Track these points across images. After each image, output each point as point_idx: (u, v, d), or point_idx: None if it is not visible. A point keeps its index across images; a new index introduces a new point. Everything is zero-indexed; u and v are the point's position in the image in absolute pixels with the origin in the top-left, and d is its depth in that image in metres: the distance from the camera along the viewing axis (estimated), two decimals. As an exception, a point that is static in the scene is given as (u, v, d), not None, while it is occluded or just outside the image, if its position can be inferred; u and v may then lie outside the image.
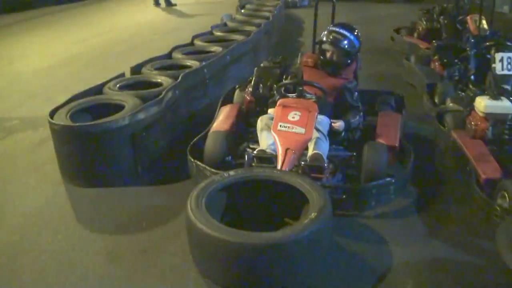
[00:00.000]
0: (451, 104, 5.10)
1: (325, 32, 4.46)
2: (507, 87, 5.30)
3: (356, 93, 4.45)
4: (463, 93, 5.50)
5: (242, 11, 10.30)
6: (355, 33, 4.46)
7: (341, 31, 4.39)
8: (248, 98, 4.66)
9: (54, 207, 3.78)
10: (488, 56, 5.56)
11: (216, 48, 6.56)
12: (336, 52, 4.38)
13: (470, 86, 5.79)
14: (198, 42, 7.07)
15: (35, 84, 7.16)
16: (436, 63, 6.51)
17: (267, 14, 9.67)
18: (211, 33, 7.80)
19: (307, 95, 4.03)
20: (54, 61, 8.41)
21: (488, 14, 7.27)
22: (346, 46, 4.37)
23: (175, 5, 14.59)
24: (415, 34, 8.65)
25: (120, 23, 12.56)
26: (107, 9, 15.40)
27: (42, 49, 9.48)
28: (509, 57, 5.38)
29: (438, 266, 2.96)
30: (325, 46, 4.41)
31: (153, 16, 13.61)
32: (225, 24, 8.60)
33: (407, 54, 7.55)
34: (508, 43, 5.57)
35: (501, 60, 5.37)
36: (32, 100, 6.38)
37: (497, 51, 5.43)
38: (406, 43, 8.49)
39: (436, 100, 5.59)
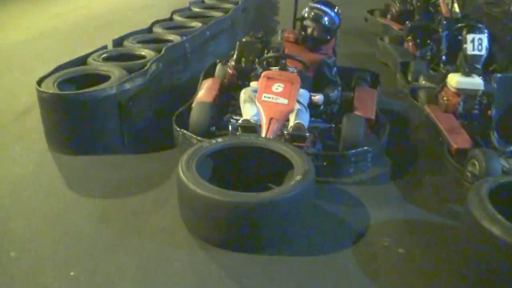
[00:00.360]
0: (423, 82, 5.33)
1: (307, 9, 4.63)
2: (478, 66, 5.57)
3: (335, 68, 4.66)
4: (435, 72, 5.75)
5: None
6: (336, 10, 4.67)
7: (322, 7, 4.58)
8: (230, 71, 4.79)
9: (43, 174, 3.85)
10: (460, 37, 5.83)
11: (195, 24, 6.65)
12: (317, 28, 4.56)
13: (442, 66, 6.05)
14: (177, 18, 7.13)
15: (14, 57, 7.10)
16: (410, 43, 6.73)
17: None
18: (189, 9, 7.84)
19: (289, 68, 4.19)
20: (31, 35, 8.30)
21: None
22: (327, 23, 4.57)
23: None
24: (389, 16, 8.84)
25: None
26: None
27: (17, 23, 9.32)
28: (479, 38, 5.63)
29: (413, 226, 3.19)
30: (307, 22, 4.58)
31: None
32: (203, 1, 8.64)
33: (381, 35, 7.75)
34: (479, 25, 5.83)
35: (472, 41, 5.63)
36: (12, 73, 6.35)
37: (469, 32, 5.69)
38: (379, 24, 8.67)
39: (409, 78, 5.81)
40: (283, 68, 4.15)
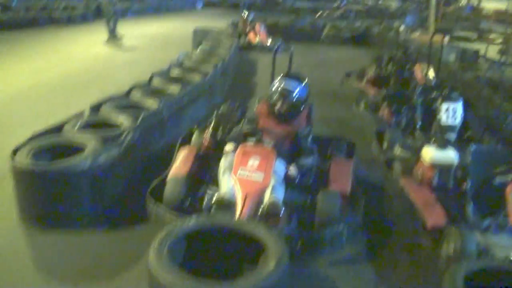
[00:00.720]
0: (399, 151, 5.39)
1: (275, 85, 4.76)
2: (452, 135, 5.66)
3: (311, 136, 4.72)
4: (410, 141, 5.82)
5: (198, 49, 10.48)
6: (303, 84, 4.78)
7: (289, 86, 4.71)
8: (206, 142, 4.76)
9: (12, 252, 3.74)
10: (434, 106, 5.96)
11: (174, 88, 6.69)
12: (285, 104, 4.65)
13: (417, 134, 6.14)
14: (156, 81, 7.16)
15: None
16: (385, 111, 6.83)
17: (223, 52, 9.88)
18: (168, 71, 7.91)
19: (265, 141, 4.22)
20: (8, 94, 8.28)
21: (435, 63, 7.72)
22: (294, 100, 4.68)
23: (121, 38, 14.58)
24: (365, 80, 9.02)
25: (76, 54, 12.50)
26: (62, 38, 15.30)
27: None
28: (454, 108, 5.75)
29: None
30: (275, 101, 4.70)
31: (108, 48, 13.64)
32: (182, 63, 8.73)
33: (356, 100, 7.90)
34: (453, 94, 5.96)
35: (447, 110, 5.75)
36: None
37: (443, 101, 5.81)
38: (355, 88, 8.86)
39: (385, 146, 5.87)
40: (259, 141, 4.18)
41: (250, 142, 4.27)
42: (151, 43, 14.64)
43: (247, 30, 14.87)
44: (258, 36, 14.52)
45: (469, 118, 6.20)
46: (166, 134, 5.83)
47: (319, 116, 7.42)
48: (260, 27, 14.83)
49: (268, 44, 13.68)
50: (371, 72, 8.98)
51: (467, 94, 8.03)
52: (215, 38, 12.62)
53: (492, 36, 15.58)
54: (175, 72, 7.83)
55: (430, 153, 4.51)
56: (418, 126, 6.19)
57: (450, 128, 5.71)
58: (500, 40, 16.67)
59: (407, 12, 28.18)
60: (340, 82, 9.40)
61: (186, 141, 5.09)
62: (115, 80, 9.15)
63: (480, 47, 16.63)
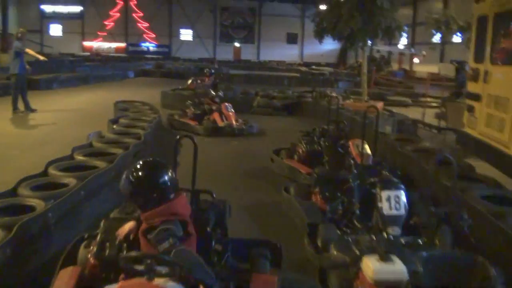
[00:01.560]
0: (334, 254, 4.48)
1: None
2: (396, 229, 4.84)
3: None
4: (349, 235, 4.98)
5: (114, 127, 9.47)
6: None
7: None
8: (91, 261, 3.64)
9: None
10: (373, 191, 5.15)
11: (69, 181, 5.64)
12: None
13: (356, 223, 5.30)
14: (52, 171, 6.09)
15: None
16: (318, 196, 5.99)
17: (141, 131, 8.91)
18: (71, 157, 6.86)
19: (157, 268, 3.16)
20: None
21: (371, 137, 7.05)
22: None
23: (35, 110, 13.62)
24: (295, 157, 8.26)
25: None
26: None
27: None
28: (396, 196, 4.96)
29: None
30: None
31: (13, 126, 12.47)
32: (90, 145, 7.69)
33: (286, 185, 6.97)
34: (394, 179, 5.19)
35: (388, 199, 4.94)
36: None
37: (383, 188, 5.02)
38: (286, 166, 8.12)
39: (319, 244, 4.95)
40: (150, 270, 3.12)
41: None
42: (72, 117, 13.47)
43: (213, 108, 12.43)
44: (224, 116, 12.13)
45: (413, 200, 5.47)
46: (53, 244, 4.71)
47: (244, 204, 6.59)
48: (226, 107, 12.42)
49: (237, 125, 12.01)
50: (302, 148, 8.24)
51: (409, 169, 7.36)
52: (137, 111, 11.69)
53: (427, 99, 15.42)
54: (79, 158, 6.78)
55: (372, 267, 3.63)
56: (357, 213, 5.36)
57: (394, 218, 4.88)
58: (435, 104, 16.61)
59: (340, 78, 28.44)
60: (270, 159, 8.59)
61: (73, 256, 3.92)
62: (20, 164, 8.02)
63: (415, 111, 16.61)
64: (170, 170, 3.51)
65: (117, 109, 12.44)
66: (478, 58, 8.34)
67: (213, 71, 18.34)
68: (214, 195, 4.16)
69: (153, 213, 3.39)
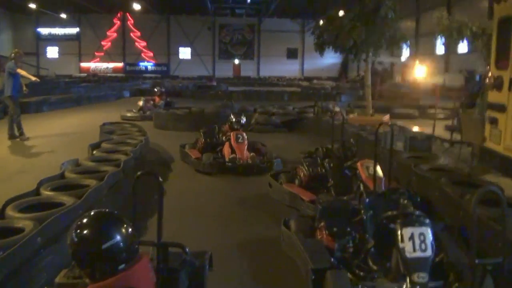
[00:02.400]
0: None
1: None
2: (423, 275, 3.87)
3: None
4: (364, 283, 3.99)
5: (94, 153, 8.47)
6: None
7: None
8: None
9: None
10: (391, 226, 4.17)
11: (26, 224, 4.64)
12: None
13: (370, 263, 4.34)
14: (9, 212, 5.07)
15: None
16: (324, 232, 4.96)
17: (122, 157, 7.89)
18: (37, 193, 5.89)
19: None
20: None
21: (381, 157, 6.08)
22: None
23: (28, 138, 12.72)
24: (297, 181, 7.27)
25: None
26: None
27: None
28: (421, 234, 3.99)
29: None
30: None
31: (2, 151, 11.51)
32: (62, 176, 6.68)
33: (286, 217, 5.82)
34: (417, 213, 4.21)
35: (411, 238, 3.96)
36: None
37: (405, 225, 4.03)
38: (285, 192, 7.10)
39: (328, 296, 3.94)
40: None
41: None
42: (56, 143, 12.46)
43: (225, 138, 9.95)
44: (235, 149, 9.34)
45: (438, 232, 4.49)
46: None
47: (237, 241, 5.61)
48: (237, 137, 9.48)
49: (245, 161, 9.16)
50: (304, 172, 7.24)
51: (426, 192, 6.34)
52: (124, 133, 10.72)
53: (435, 111, 14.43)
54: (44, 194, 5.80)
55: None
56: (370, 254, 4.38)
57: (419, 262, 3.90)
58: (441, 116, 15.59)
59: (342, 92, 27.53)
60: (268, 184, 7.57)
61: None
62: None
63: (423, 123, 15.59)
64: (127, 227, 2.61)
65: (103, 132, 11.48)
66: (501, 64, 7.39)
67: (163, 89, 17.75)
68: (188, 250, 3.18)
69: (103, 286, 2.49)
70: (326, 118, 14.06)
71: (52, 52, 52.84)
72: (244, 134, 9.63)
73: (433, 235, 3.99)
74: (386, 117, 15.40)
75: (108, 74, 48.88)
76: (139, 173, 3.25)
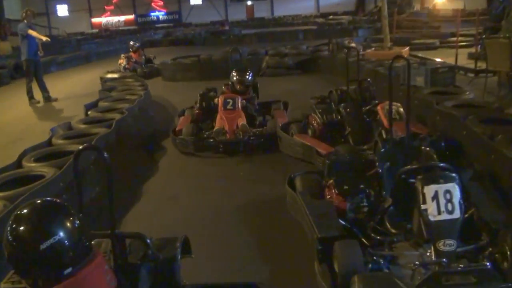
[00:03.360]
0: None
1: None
2: (450, 241, 3.23)
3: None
4: (380, 252, 3.39)
5: (89, 113, 7.90)
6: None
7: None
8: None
9: None
10: (411, 181, 3.51)
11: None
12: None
13: (388, 225, 3.71)
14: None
15: None
16: (333, 191, 4.26)
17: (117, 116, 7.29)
18: (18, 164, 5.41)
19: None
20: None
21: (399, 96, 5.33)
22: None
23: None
24: (309, 132, 6.53)
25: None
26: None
27: None
28: (447, 192, 3.32)
29: None
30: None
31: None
32: (49, 143, 6.13)
33: (290, 176, 5.00)
34: (441, 166, 3.52)
35: (435, 197, 3.29)
36: None
37: (427, 182, 3.35)
38: (298, 144, 6.22)
39: (336, 269, 3.29)
40: None
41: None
42: (58, 104, 11.97)
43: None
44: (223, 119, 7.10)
45: (466, 182, 3.82)
46: None
47: (234, 206, 5.04)
48: (225, 102, 7.20)
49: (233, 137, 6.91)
50: (317, 120, 6.47)
51: (452, 133, 5.59)
52: (124, 89, 10.09)
53: (457, 39, 13.42)
54: (26, 166, 5.31)
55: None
56: (387, 213, 3.73)
57: (446, 226, 3.25)
58: (464, 44, 14.55)
59: (359, 26, 26.23)
60: (277, 138, 6.75)
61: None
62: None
63: (445, 53, 14.60)
64: (72, 219, 2.10)
65: (103, 89, 10.86)
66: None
67: (138, 44, 15.97)
68: (150, 240, 2.57)
69: None
70: (342, 55, 13.20)
71: (62, 10, 51.63)
72: (239, 99, 7.18)
73: (462, 191, 3.31)
74: (405, 50, 14.45)
75: (120, 28, 47.87)
76: (79, 147, 2.62)
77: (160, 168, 6.60)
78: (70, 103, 11.66)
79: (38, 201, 2.13)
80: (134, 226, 4.74)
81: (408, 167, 3.55)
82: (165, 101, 11.13)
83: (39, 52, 11.83)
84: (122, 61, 15.47)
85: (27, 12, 11.56)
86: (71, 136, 6.38)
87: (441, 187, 3.23)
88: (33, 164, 5.31)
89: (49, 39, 13.29)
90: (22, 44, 11.58)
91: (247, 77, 7.63)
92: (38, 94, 12.14)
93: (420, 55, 14.05)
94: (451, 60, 11.85)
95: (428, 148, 4.14)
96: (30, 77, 11.85)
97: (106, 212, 2.45)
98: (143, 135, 7.89)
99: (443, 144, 4.75)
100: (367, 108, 6.13)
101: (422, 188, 3.26)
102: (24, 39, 11.44)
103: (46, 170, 4.98)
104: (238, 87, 7.54)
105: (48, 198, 2.22)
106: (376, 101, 6.16)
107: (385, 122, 5.47)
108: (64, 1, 51.27)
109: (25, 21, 11.45)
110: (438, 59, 11.77)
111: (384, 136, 5.42)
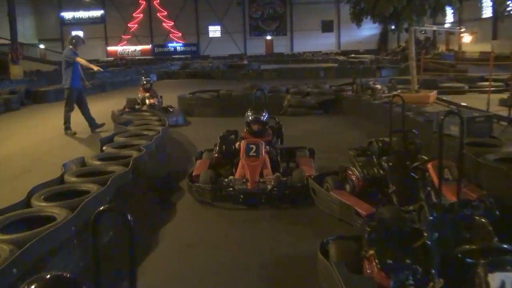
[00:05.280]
0: None
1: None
2: None
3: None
4: None
5: (104, 148, 7.48)
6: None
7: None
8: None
9: None
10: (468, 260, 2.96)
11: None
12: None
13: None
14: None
15: None
16: (373, 264, 3.69)
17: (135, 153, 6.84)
18: (28, 202, 4.97)
19: None
20: None
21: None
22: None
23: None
24: (348, 187, 5.83)
25: None
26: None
27: None
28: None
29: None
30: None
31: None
32: (61, 180, 5.70)
33: (323, 239, 4.29)
34: (508, 248, 2.98)
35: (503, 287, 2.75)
36: None
37: (491, 269, 2.81)
38: (335, 202, 5.54)
39: None
40: None
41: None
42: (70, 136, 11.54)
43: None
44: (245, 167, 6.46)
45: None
46: None
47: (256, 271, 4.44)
48: (248, 148, 6.58)
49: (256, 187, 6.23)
50: (356, 175, 5.80)
51: (497, 188, 5.02)
52: (141, 124, 9.67)
53: (490, 83, 12.94)
54: (35, 205, 4.86)
55: None
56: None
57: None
58: (493, 89, 14.04)
59: (382, 66, 25.80)
60: (311, 191, 6.04)
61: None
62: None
63: (474, 98, 14.09)
64: None
65: (119, 122, 10.46)
66: None
67: (151, 80, 14.33)
68: None
69: None
70: (366, 96, 12.76)
71: (77, 36, 52.18)
72: (264, 144, 6.61)
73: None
74: (433, 94, 13.97)
75: (137, 57, 48.13)
76: (98, 209, 2.27)
77: (178, 212, 6.07)
78: (83, 135, 11.22)
79: (48, 277, 2.01)
80: (151, 275, 4.42)
81: (468, 246, 3.02)
82: (183, 137, 10.66)
83: (86, 83, 11.36)
84: (146, 100, 13.59)
85: (75, 39, 11.03)
86: (85, 174, 5.95)
87: (508, 277, 2.71)
88: (43, 204, 4.89)
89: (101, 70, 12.86)
90: (66, 72, 10.82)
91: (262, 117, 6.95)
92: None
93: (446, 98, 13.61)
94: (481, 106, 11.35)
95: (483, 219, 3.59)
96: (70, 107, 11.14)
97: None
98: (160, 175, 7.43)
99: (497, 212, 4.20)
100: (415, 165, 5.49)
101: (486, 275, 2.74)
102: (70, 66, 10.79)
103: (57, 211, 4.56)
104: (255, 127, 6.93)
105: (59, 273, 2.08)
106: (426, 158, 5.49)
107: (435, 178, 4.86)
108: (80, 28, 51.03)
109: (70, 46, 10.84)
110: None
111: (434, 198, 4.81)
